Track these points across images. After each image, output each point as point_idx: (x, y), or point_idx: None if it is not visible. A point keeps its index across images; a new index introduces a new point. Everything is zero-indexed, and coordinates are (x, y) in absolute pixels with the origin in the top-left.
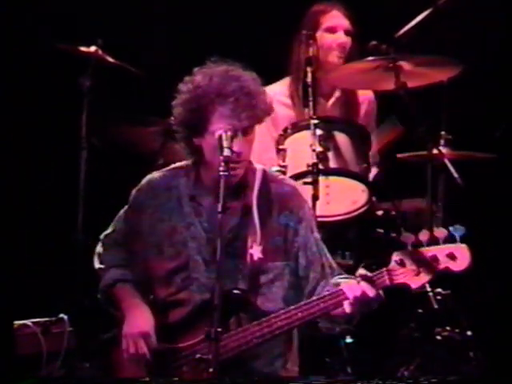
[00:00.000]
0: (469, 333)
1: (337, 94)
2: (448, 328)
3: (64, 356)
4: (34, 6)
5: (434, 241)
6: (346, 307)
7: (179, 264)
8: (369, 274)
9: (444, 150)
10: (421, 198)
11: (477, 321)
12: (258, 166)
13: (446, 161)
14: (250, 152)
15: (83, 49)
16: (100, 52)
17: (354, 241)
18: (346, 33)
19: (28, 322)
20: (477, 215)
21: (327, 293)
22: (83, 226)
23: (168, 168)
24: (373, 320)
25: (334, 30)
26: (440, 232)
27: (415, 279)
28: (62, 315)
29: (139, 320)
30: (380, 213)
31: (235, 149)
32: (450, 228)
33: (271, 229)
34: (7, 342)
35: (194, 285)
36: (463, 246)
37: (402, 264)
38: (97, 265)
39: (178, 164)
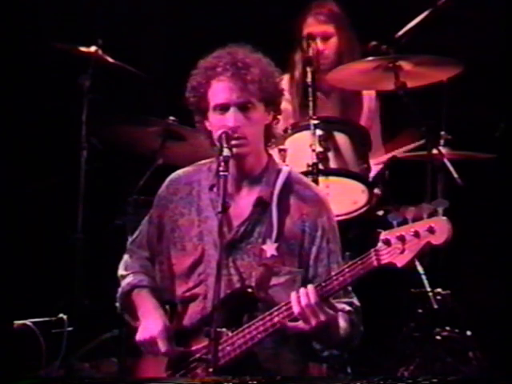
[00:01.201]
0: (468, 333)
1: (336, 92)
2: (448, 328)
3: (63, 356)
4: (34, 5)
5: (419, 218)
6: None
7: (196, 258)
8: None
9: (444, 150)
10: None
11: (477, 321)
12: (285, 167)
13: (446, 161)
14: (253, 131)
15: (83, 49)
16: (100, 52)
17: (354, 241)
18: (324, 38)
19: (28, 321)
20: (477, 216)
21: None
22: (83, 225)
23: (194, 164)
24: (372, 319)
25: (311, 38)
26: (425, 208)
27: (400, 257)
28: (61, 315)
29: (150, 324)
30: (380, 213)
31: (229, 124)
32: (432, 202)
33: (288, 231)
34: (7, 341)
35: (210, 280)
36: (443, 218)
37: (387, 243)
38: (120, 271)
39: (203, 161)
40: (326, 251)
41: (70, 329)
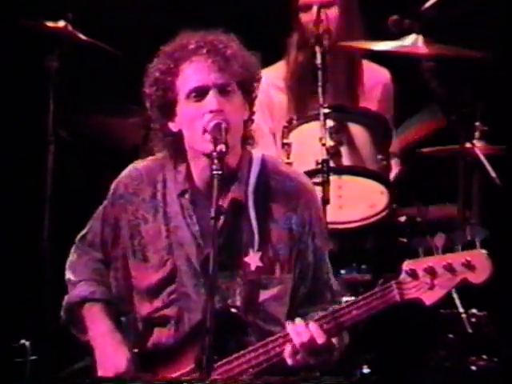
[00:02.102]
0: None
1: (342, 79)
2: (485, 356)
3: None
4: None
5: (450, 246)
6: (287, 356)
7: (165, 275)
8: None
9: (479, 143)
10: (451, 202)
11: None
12: (256, 153)
13: (481, 156)
14: (236, 120)
15: (50, 24)
16: (70, 28)
17: (372, 252)
18: (324, 5)
19: None
20: None
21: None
22: (50, 232)
23: (154, 157)
24: (394, 347)
25: (307, 7)
26: (459, 236)
27: (429, 294)
28: (23, 341)
29: (112, 357)
30: (403, 219)
31: (212, 107)
32: (468, 230)
33: (273, 233)
34: None
35: (182, 301)
36: (482, 252)
37: (413, 275)
38: (67, 274)
39: (166, 153)
40: (311, 248)
41: (33, 357)
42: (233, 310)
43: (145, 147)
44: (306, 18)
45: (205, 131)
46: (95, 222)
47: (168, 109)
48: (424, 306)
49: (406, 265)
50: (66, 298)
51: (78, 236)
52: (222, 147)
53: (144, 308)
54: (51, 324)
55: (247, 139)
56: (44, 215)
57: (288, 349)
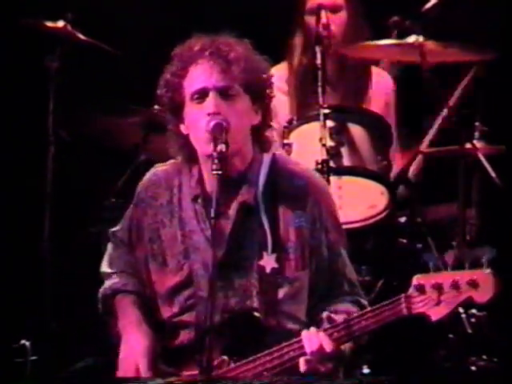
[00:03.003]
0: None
1: (345, 81)
2: (484, 357)
3: None
4: None
5: (459, 264)
6: (302, 364)
7: (182, 279)
8: (335, 318)
9: (479, 144)
10: (451, 202)
11: None
12: (266, 156)
13: (482, 157)
14: (237, 123)
15: (50, 24)
16: (70, 28)
17: (372, 253)
18: (333, 10)
19: None
20: None
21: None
22: (50, 233)
23: (173, 161)
24: (394, 347)
25: (315, 11)
26: (468, 255)
27: (435, 309)
28: (23, 341)
29: (131, 345)
30: (403, 219)
31: (208, 110)
32: (477, 248)
33: (285, 233)
34: None
35: (201, 305)
36: (487, 271)
37: (421, 290)
38: (103, 267)
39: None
40: (325, 242)
41: (34, 358)
42: (255, 313)
43: (145, 147)
44: (313, 21)
45: (205, 132)
46: (125, 221)
47: (177, 111)
48: (430, 322)
49: (416, 279)
50: (101, 290)
51: (111, 230)
52: (222, 147)
53: (165, 312)
54: (51, 324)
55: (261, 144)
56: (44, 215)
57: (302, 361)
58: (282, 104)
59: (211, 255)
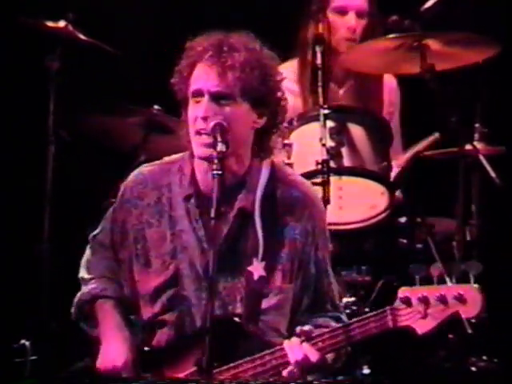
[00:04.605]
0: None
1: (351, 80)
2: (484, 357)
3: None
4: None
5: (444, 278)
6: (285, 374)
7: (166, 279)
8: (311, 329)
9: (479, 145)
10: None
11: None
12: (265, 163)
13: (482, 158)
14: (232, 126)
15: (50, 24)
16: (70, 28)
17: (372, 253)
18: (359, 14)
19: None
20: None
21: (327, 330)
22: (50, 234)
23: (160, 161)
24: (394, 347)
25: (343, 11)
26: (455, 268)
27: (421, 323)
28: (23, 341)
29: (114, 351)
30: (403, 220)
31: (199, 114)
32: (464, 264)
33: (277, 243)
34: None
35: (183, 305)
36: (475, 286)
37: (407, 303)
38: (81, 272)
39: (172, 157)
40: (314, 259)
41: (34, 358)
42: (235, 319)
43: (145, 147)
44: (337, 22)
45: (196, 134)
46: (106, 223)
47: (184, 102)
48: (416, 336)
49: (402, 292)
50: (79, 294)
51: (91, 235)
52: (222, 147)
53: (146, 312)
54: (51, 324)
55: (260, 150)
56: (44, 215)
57: (286, 372)
58: (290, 107)
59: (199, 255)
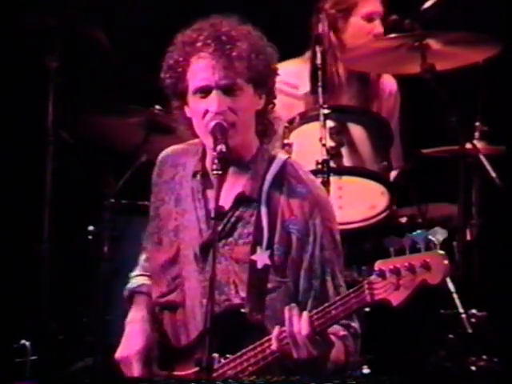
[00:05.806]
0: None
1: (355, 83)
2: (484, 357)
3: None
4: None
5: (416, 247)
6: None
7: (170, 257)
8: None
9: (479, 144)
10: (450, 202)
11: None
12: (280, 155)
13: (482, 157)
14: (242, 119)
15: (50, 23)
16: (70, 27)
17: (372, 253)
18: (381, 20)
19: None
20: None
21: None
22: (50, 234)
23: (187, 142)
24: (394, 347)
25: (371, 18)
26: (424, 237)
27: (395, 294)
28: (23, 341)
29: (129, 341)
30: (403, 220)
31: (211, 108)
32: (429, 231)
33: (280, 235)
34: None
35: (186, 286)
36: (439, 252)
37: (382, 275)
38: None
39: (196, 139)
40: (319, 259)
41: (33, 357)
42: (242, 310)
43: (145, 147)
44: (365, 28)
45: (207, 129)
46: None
47: (181, 95)
48: (392, 308)
49: (377, 265)
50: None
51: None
52: (222, 147)
53: (155, 291)
54: (51, 324)
55: (263, 132)
56: (43, 216)
57: (275, 333)
58: (286, 105)
59: (197, 235)
